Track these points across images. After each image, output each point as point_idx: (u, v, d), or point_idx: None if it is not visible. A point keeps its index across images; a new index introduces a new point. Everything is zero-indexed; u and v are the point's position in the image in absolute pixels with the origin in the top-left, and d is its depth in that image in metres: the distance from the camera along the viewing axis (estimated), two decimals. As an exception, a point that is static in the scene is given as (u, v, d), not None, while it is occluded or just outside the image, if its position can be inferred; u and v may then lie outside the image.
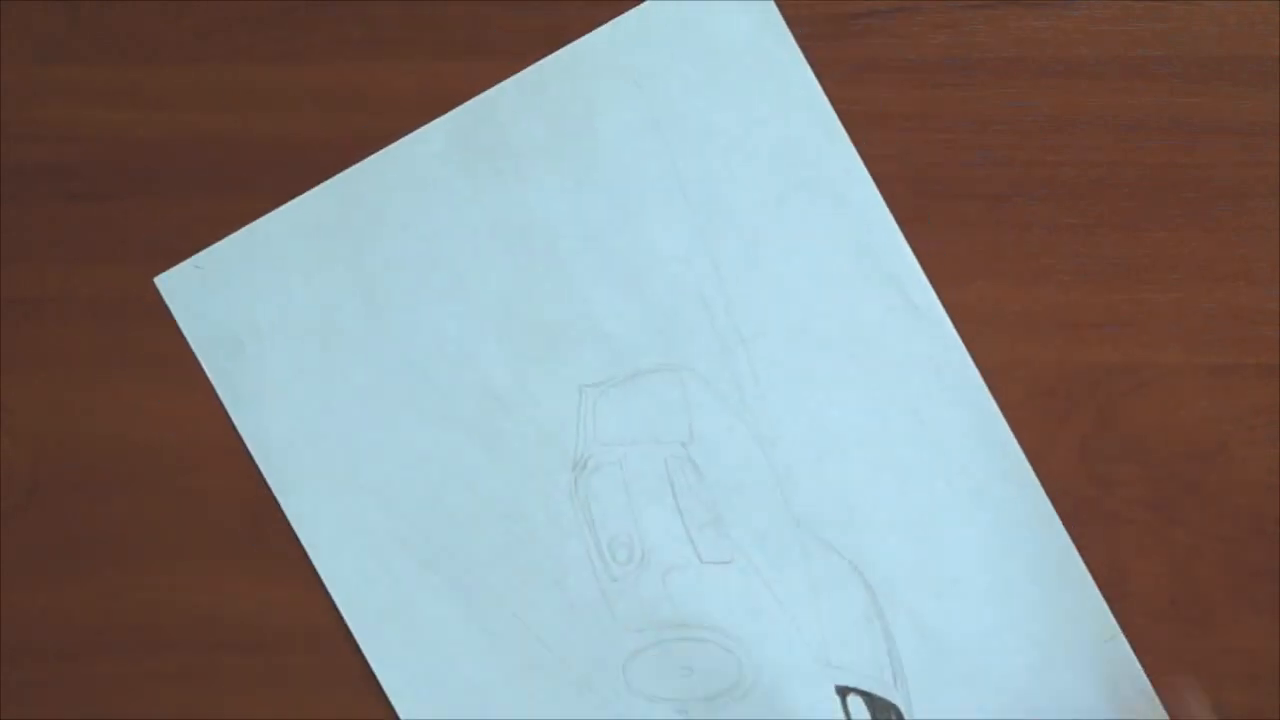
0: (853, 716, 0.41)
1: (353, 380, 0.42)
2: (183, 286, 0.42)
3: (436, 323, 0.42)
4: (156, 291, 0.42)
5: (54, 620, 0.42)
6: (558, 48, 0.42)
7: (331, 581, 0.41)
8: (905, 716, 0.41)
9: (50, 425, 0.42)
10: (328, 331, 0.42)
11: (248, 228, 0.42)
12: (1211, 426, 0.41)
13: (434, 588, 0.41)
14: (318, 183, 0.42)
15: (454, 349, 0.42)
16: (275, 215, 0.42)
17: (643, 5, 0.42)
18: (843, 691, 0.41)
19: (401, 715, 0.41)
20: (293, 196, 0.42)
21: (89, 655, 0.42)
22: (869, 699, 0.41)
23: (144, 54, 0.42)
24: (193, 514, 0.42)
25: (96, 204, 0.42)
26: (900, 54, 0.42)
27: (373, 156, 0.42)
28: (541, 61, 0.42)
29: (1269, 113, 0.42)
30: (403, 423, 0.42)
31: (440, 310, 0.42)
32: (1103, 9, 0.42)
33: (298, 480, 0.42)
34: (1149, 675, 0.41)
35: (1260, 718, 0.41)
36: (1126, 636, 0.41)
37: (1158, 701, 0.41)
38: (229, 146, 0.42)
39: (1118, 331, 0.42)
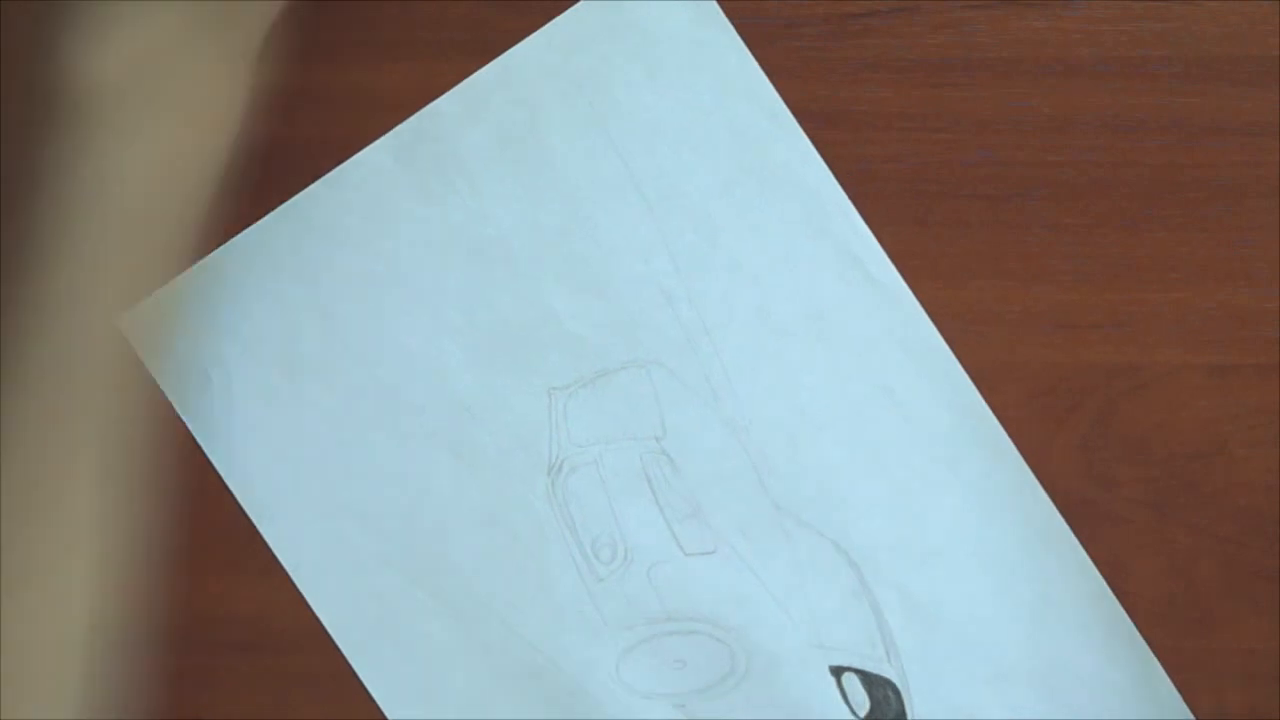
0: (849, 695, 0.41)
1: (322, 404, 0.42)
2: (144, 325, 0.42)
3: (400, 339, 0.42)
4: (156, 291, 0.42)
5: (54, 620, 0.42)
6: (557, 48, 0.42)
7: (318, 604, 0.41)
8: (901, 690, 0.41)
9: (50, 425, 0.42)
10: (292, 358, 0.42)
11: (203, 261, 0.42)
12: (1211, 426, 0.41)
13: (421, 603, 0.42)
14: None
15: (420, 364, 0.42)
16: (230, 246, 0.42)
17: (576, 6, 0.42)
18: (837, 671, 0.41)
19: None
20: (292, 196, 0.42)
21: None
22: (864, 676, 0.41)
23: (144, 54, 0.42)
24: (194, 514, 0.42)
25: (96, 204, 0.42)
26: (900, 54, 0.42)
27: (321, 179, 0.42)
28: (481, 70, 0.42)
29: (1269, 113, 0.42)
30: (375, 441, 0.42)
31: (403, 326, 0.42)
32: (1103, 9, 0.42)
33: (276, 508, 0.42)
34: (1149, 675, 0.41)
35: (1260, 718, 0.41)
36: (1126, 636, 0.41)
37: (1150, 655, 0.41)
38: (229, 146, 0.42)
39: (1118, 331, 0.42)
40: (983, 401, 0.41)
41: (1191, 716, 0.41)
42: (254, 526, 0.42)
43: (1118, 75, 0.42)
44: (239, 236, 0.42)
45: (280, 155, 0.42)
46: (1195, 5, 0.42)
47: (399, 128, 0.42)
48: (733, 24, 0.42)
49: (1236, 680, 0.41)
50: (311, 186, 0.42)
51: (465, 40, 0.42)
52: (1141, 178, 0.42)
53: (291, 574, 0.41)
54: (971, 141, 0.42)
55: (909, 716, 0.41)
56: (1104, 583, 0.41)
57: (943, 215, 0.42)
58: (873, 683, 0.41)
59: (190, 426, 0.42)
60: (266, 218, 0.42)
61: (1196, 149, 0.42)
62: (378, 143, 0.42)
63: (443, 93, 0.42)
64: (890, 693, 0.41)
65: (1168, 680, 0.41)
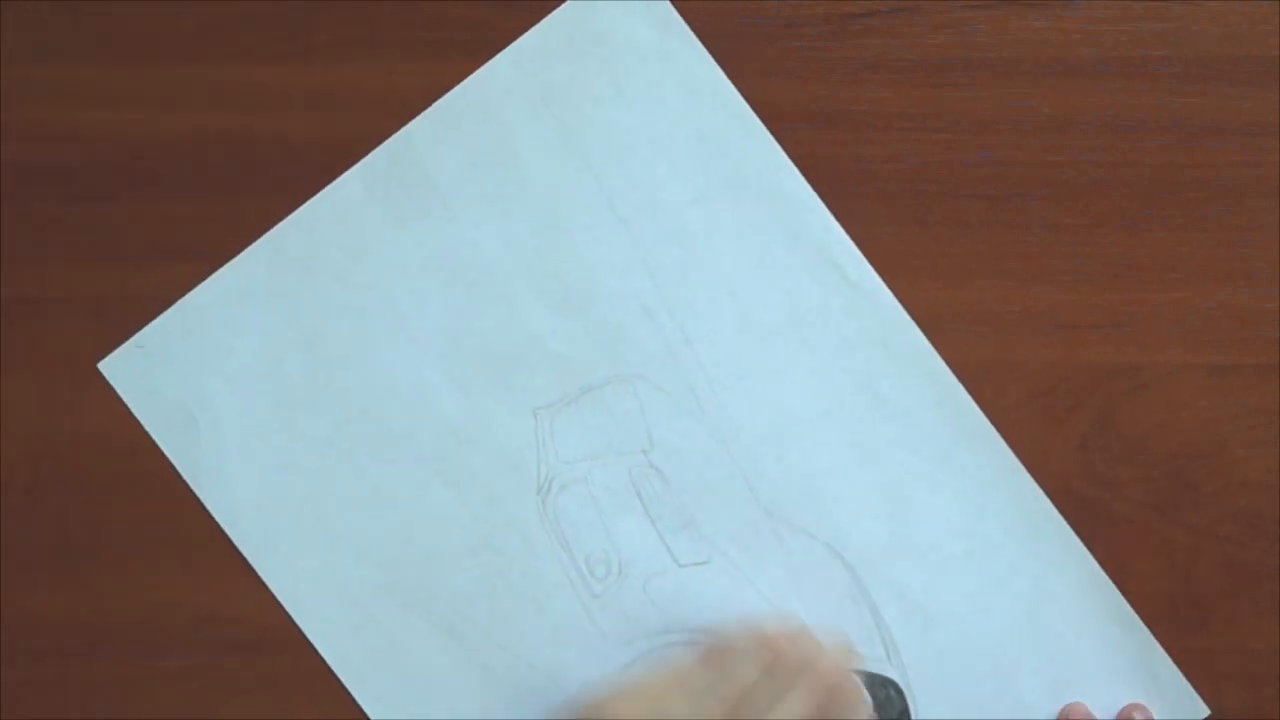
0: None
1: (309, 436, 0.42)
2: (127, 368, 0.42)
3: (384, 367, 0.42)
4: (157, 292, 0.42)
5: (54, 620, 0.42)
6: (558, 48, 0.42)
7: (315, 635, 0.41)
8: (903, 688, 0.41)
9: (50, 425, 0.42)
10: (277, 391, 0.42)
11: (182, 301, 0.42)
12: (1211, 426, 0.41)
13: (418, 629, 0.41)
14: (317, 182, 0.42)
15: (405, 390, 0.42)
16: (209, 284, 0.42)
17: (540, 24, 0.42)
18: None
19: None
20: (293, 196, 0.42)
21: (89, 655, 0.42)
22: (865, 676, 0.41)
23: (144, 54, 0.42)
24: (193, 514, 0.42)
25: (96, 204, 0.42)
26: (900, 54, 0.42)
27: (294, 213, 0.42)
28: (449, 94, 0.42)
29: (1269, 113, 0.42)
30: (365, 470, 0.42)
31: (386, 354, 0.42)
32: (1103, 9, 0.42)
33: (269, 542, 0.42)
34: (1149, 675, 0.41)
35: (1260, 718, 0.41)
36: (1126, 636, 0.41)
37: (1151, 637, 0.41)
38: (229, 146, 0.42)
39: (1118, 331, 0.42)
40: (968, 396, 0.41)
41: (1193, 691, 0.41)
42: (254, 526, 0.42)
43: (1118, 75, 0.42)
44: (215, 275, 0.42)
45: (281, 155, 0.42)
46: (1195, 5, 0.42)
47: (369, 156, 0.42)
48: (732, 25, 0.42)
49: (1236, 680, 0.41)
50: (286, 220, 0.42)
51: (465, 40, 0.42)
52: (1141, 178, 0.42)
53: (286, 606, 0.41)
54: (971, 141, 0.42)
55: (912, 714, 0.41)
56: (1100, 569, 0.41)
57: (943, 215, 0.42)
58: (875, 682, 0.41)
59: (179, 467, 0.42)
60: (242, 253, 0.42)
61: (1196, 149, 0.42)
62: (349, 172, 0.42)
63: (443, 93, 0.42)
64: (893, 691, 0.41)
65: (1169, 661, 0.41)
